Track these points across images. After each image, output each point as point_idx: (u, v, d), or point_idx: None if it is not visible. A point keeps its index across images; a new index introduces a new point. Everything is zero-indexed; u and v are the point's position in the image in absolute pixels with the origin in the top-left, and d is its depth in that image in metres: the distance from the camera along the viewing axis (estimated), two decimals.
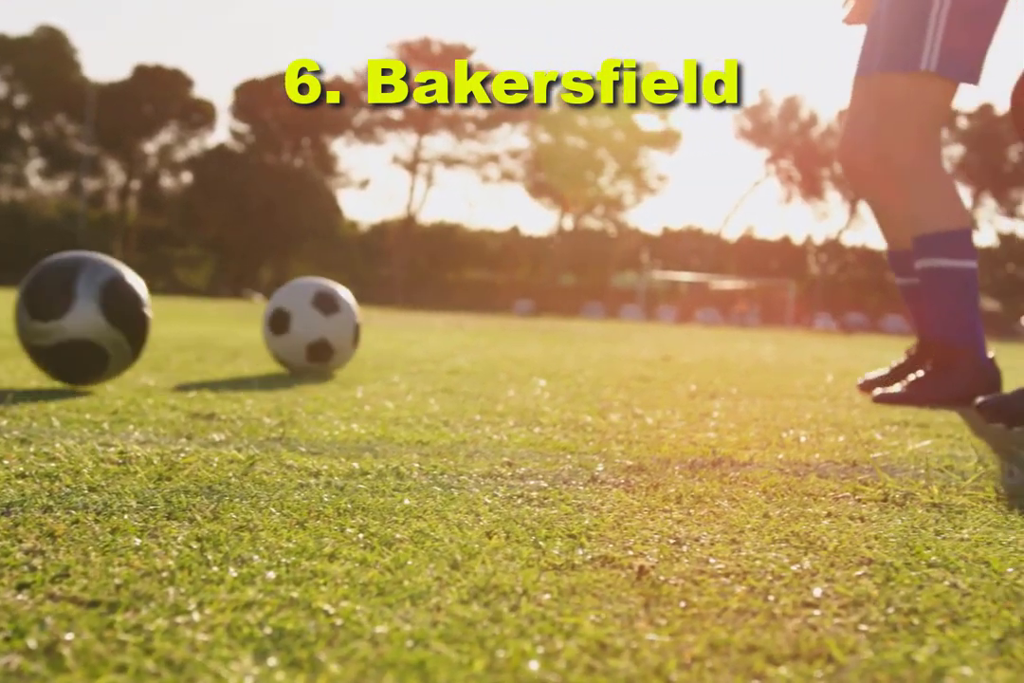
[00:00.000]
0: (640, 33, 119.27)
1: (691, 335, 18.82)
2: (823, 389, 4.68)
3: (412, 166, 68.53)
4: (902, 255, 4.50)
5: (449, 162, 69.29)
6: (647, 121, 71.16)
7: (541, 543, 1.41)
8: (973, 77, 4.03)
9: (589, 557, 1.34)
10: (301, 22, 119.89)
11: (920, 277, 4.10)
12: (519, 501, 1.73)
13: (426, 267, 66.36)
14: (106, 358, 3.21)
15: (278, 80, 66.22)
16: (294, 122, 65.19)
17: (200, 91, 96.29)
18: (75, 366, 3.21)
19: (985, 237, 74.93)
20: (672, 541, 1.46)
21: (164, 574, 1.19)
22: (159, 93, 63.77)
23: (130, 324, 3.25)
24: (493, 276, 69.84)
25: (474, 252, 69.92)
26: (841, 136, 4.51)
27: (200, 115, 66.46)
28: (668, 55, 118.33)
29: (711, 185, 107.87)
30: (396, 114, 67.74)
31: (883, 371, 4.59)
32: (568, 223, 70.50)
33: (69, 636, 0.97)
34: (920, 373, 4.14)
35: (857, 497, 1.92)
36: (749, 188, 73.37)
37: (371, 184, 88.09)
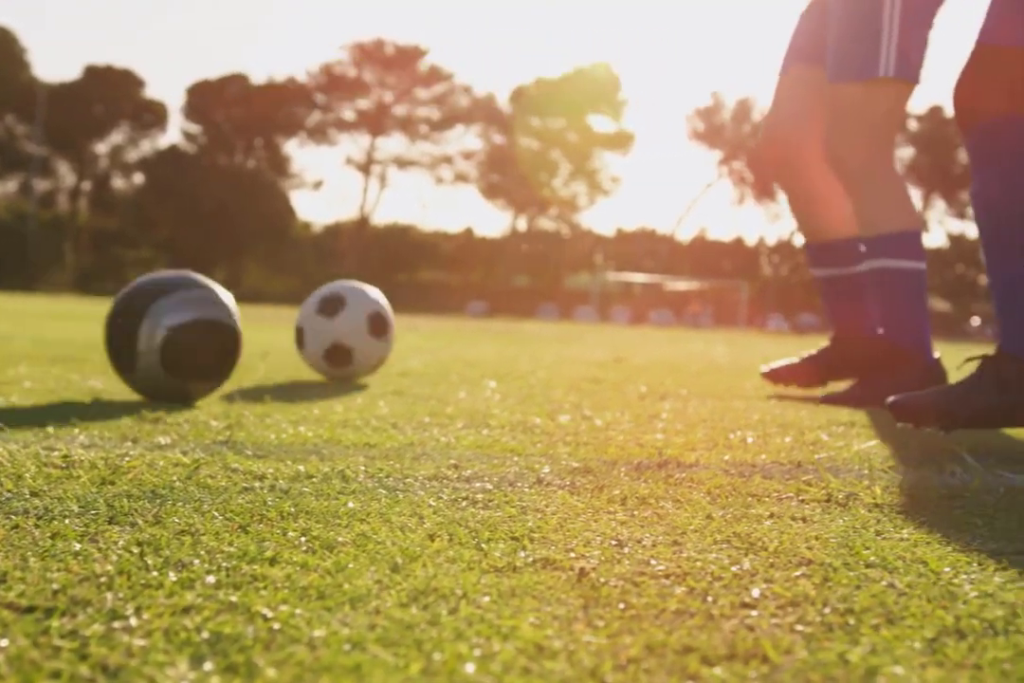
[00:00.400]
0: (595, 34, 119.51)
1: (644, 336, 18.88)
2: (772, 390, 4.71)
3: (365, 167, 68.49)
4: (820, 247, 4.54)
5: (402, 163, 69.30)
6: (600, 122, 71.41)
7: (483, 545, 1.42)
8: (919, 77, 4.08)
9: (531, 559, 1.35)
10: (254, 23, 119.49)
11: (870, 278, 4.13)
12: (464, 503, 1.74)
13: (380, 268, 66.22)
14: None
15: (231, 81, 66.05)
16: (247, 123, 65.01)
17: (152, 92, 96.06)
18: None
19: (935, 238, 75.43)
20: (614, 543, 1.47)
21: (103, 579, 1.18)
22: (110, 93, 63.41)
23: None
24: (447, 277, 69.87)
25: (428, 253, 69.89)
26: (764, 126, 4.55)
27: (152, 116, 66.14)
28: (623, 56, 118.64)
29: (664, 186, 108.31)
30: (349, 115, 67.68)
31: (792, 360, 4.62)
32: (522, 224, 70.56)
33: (3, 642, 0.97)
34: (872, 377, 4.18)
35: (800, 498, 1.93)
36: (702, 190, 73.83)
37: (324, 185, 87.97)
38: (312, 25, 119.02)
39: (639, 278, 61.69)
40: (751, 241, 73.58)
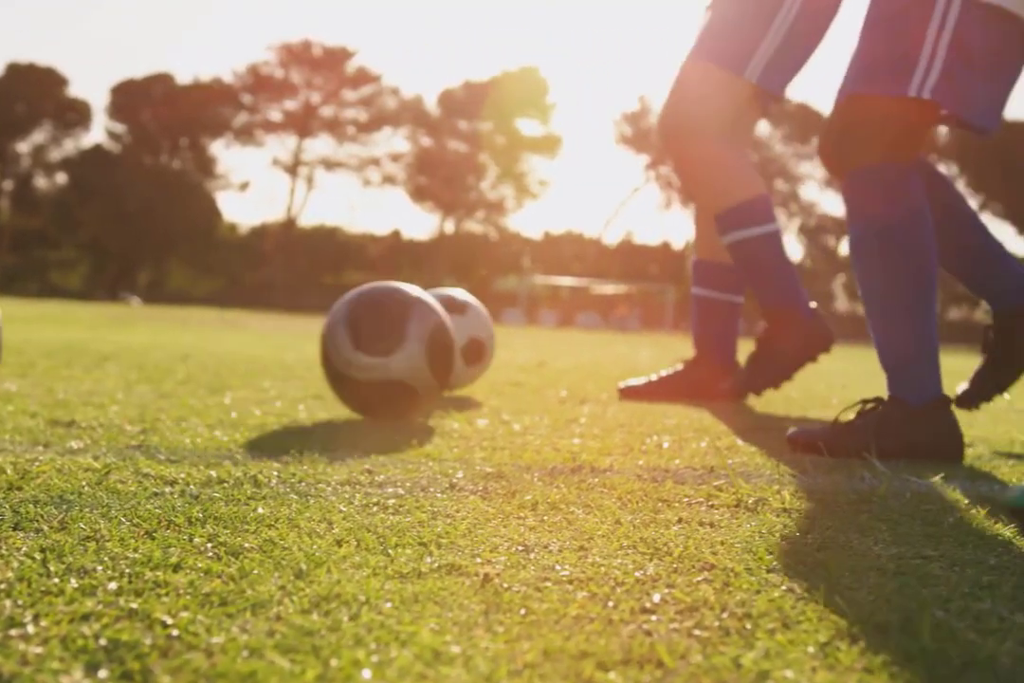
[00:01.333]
0: (524, 38, 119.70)
1: (570, 340, 18.93)
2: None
3: (292, 169, 68.13)
4: (708, 266, 4.59)
5: (330, 165, 69.00)
6: (528, 126, 71.49)
7: (390, 551, 1.42)
8: (780, 89, 4.22)
9: (436, 565, 1.35)
10: (180, 22, 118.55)
11: (731, 253, 4.23)
12: (374, 509, 1.74)
13: (306, 270, 65.97)
14: (416, 398, 3.12)
15: (156, 80, 65.48)
16: (172, 123, 64.45)
17: (75, 91, 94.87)
18: (387, 403, 3.12)
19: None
20: (521, 548, 1.48)
21: (2, 586, 1.17)
22: (32, 92, 62.64)
23: (444, 370, 3.18)
24: (374, 279, 69.35)
25: (355, 255, 69.65)
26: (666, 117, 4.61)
27: (75, 115, 65.40)
28: (552, 60, 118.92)
29: (592, 190, 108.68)
30: (276, 116, 67.33)
31: (650, 377, 4.64)
32: (449, 227, 70.52)
33: None
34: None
35: (710, 503, 1.96)
36: (629, 194, 74.06)
37: (251, 187, 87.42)
38: (239, 25, 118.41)
39: (566, 281, 61.82)
40: (678, 245, 74.00)
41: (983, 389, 3.23)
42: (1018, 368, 3.17)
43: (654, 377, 4.61)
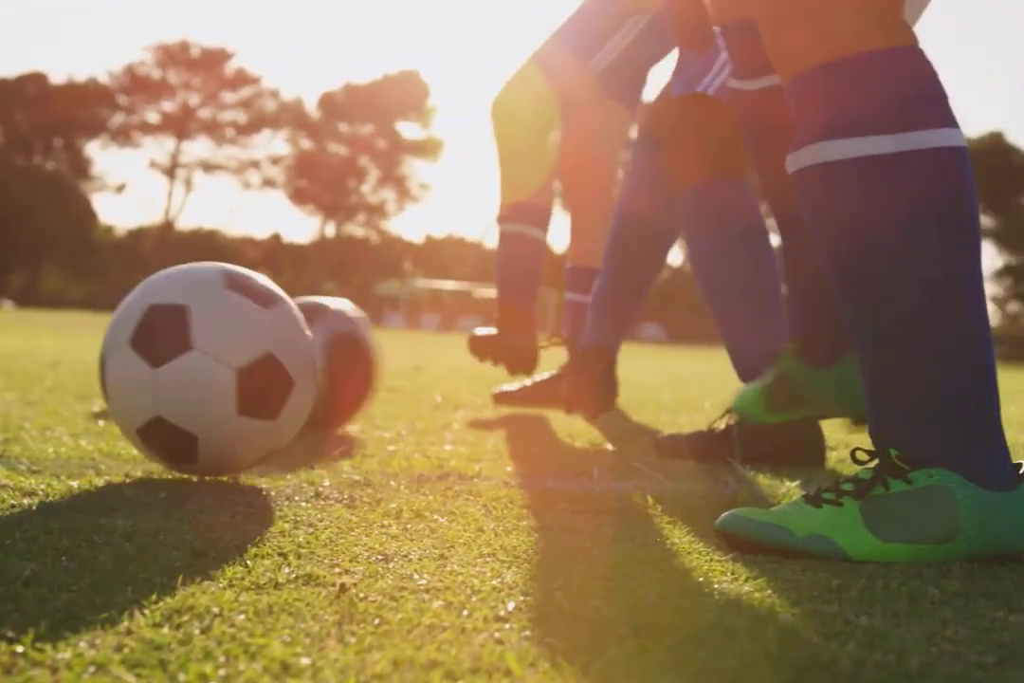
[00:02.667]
0: (405, 41, 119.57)
1: (450, 344, 18.96)
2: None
3: (170, 171, 67.28)
4: (581, 271, 4.65)
5: (208, 167, 68.29)
6: (409, 129, 71.48)
7: (248, 562, 1.42)
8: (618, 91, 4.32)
9: (294, 575, 1.35)
10: (54, 21, 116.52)
11: (500, 239, 4.34)
12: (238, 519, 1.73)
13: None
14: None
15: (29, 80, 64.28)
16: (45, 124, 63.25)
17: None
18: None
19: None
20: (380, 557, 1.49)
21: None
22: None
23: None
24: None
25: (234, 259, 68.81)
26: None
27: None
28: (432, 63, 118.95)
29: (473, 193, 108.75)
30: (153, 117, 66.49)
31: (524, 383, 4.68)
32: (330, 230, 70.21)
33: None
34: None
35: (575, 508, 1.98)
36: None
37: (128, 189, 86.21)
38: (115, 25, 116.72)
39: (448, 285, 61.88)
40: (560, 248, 74.37)
41: None
42: None
43: (528, 382, 4.63)
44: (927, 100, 1.62)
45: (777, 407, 2.45)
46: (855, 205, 1.62)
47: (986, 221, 68.72)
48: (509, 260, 4.40)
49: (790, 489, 2.33)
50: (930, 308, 1.59)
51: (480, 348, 4.31)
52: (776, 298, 2.87)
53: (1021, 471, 1.64)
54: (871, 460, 1.68)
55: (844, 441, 3.41)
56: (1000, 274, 69.31)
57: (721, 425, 2.88)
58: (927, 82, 1.63)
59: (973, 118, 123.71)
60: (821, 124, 1.63)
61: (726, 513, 1.67)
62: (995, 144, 66.71)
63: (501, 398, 4.49)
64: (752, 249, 2.86)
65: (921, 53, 1.65)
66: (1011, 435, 3.63)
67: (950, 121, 1.62)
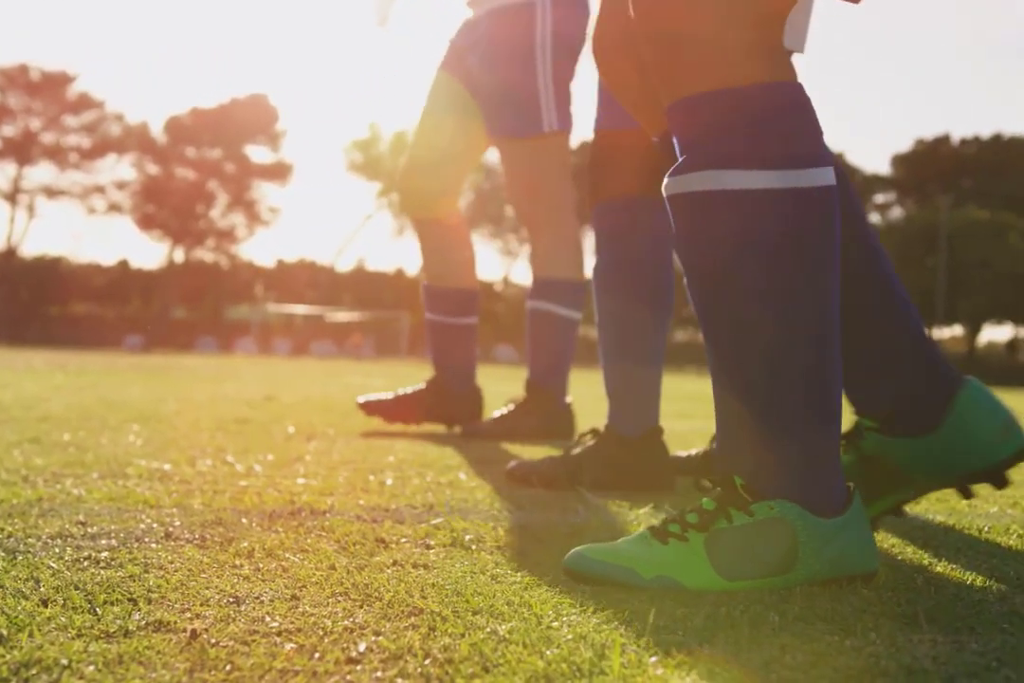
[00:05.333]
0: (252, 65, 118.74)
1: (302, 370, 18.81)
2: (416, 428, 4.77)
3: (12, 197, 65.80)
4: (440, 292, 4.73)
5: (52, 193, 66.94)
6: (258, 153, 70.97)
7: (98, 609, 1.41)
8: (572, 123, 4.38)
9: (144, 622, 1.35)
10: None
11: (529, 316, 4.36)
12: (86, 563, 1.71)
13: (29, 302, 63.78)
14: None
15: None
16: None
17: None
18: None
19: None
20: (232, 600, 1.49)
21: None
22: None
23: None
24: (102, 311, 67.98)
25: (81, 286, 67.74)
26: (403, 171, 4.69)
27: None
28: (280, 87, 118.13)
29: (324, 217, 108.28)
30: None
31: (387, 395, 4.76)
32: (179, 256, 69.29)
33: None
34: (506, 409, 4.35)
35: (427, 542, 1.99)
36: (361, 221, 74.07)
37: None
38: None
39: (300, 309, 61.48)
40: (412, 271, 74.40)
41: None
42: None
43: (391, 395, 4.70)
44: (808, 137, 1.68)
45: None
46: (731, 232, 1.66)
47: None
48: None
49: (639, 516, 2.38)
50: (766, 331, 1.65)
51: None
52: (661, 321, 2.94)
53: (851, 492, 1.70)
54: (715, 488, 1.72)
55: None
56: None
57: (573, 451, 2.93)
58: (808, 118, 1.70)
59: None
60: (712, 152, 1.67)
61: (573, 552, 1.69)
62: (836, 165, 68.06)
63: (369, 408, 4.61)
64: (661, 264, 2.95)
65: (802, 89, 1.71)
66: None
67: (828, 160, 1.69)
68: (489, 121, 4.42)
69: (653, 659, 1.24)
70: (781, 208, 1.64)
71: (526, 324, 4.42)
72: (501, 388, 9.45)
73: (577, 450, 2.94)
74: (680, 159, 1.72)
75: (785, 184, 1.64)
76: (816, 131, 1.70)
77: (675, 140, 1.76)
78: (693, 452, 3.13)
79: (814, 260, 1.66)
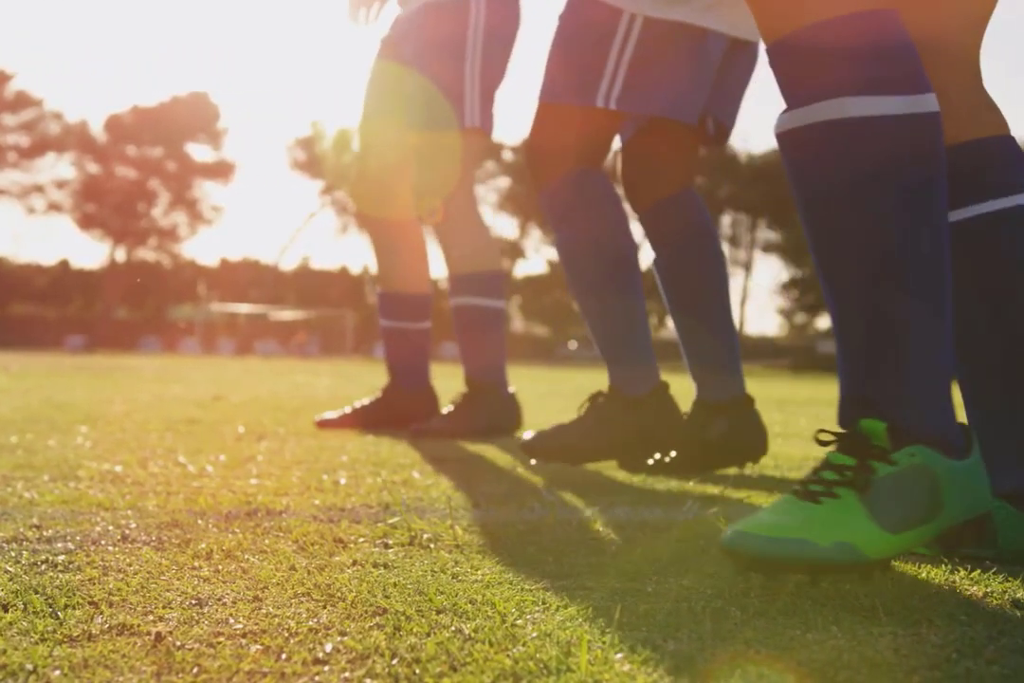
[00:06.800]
0: (193, 63, 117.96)
1: (248, 369, 18.73)
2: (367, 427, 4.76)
3: None
4: (394, 298, 4.74)
5: None
6: (200, 151, 70.59)
7: (60, 613, 1.40)
8: (493, 127, 4.39)
9: (107, 626, 1.34)
10: None
11: (455, 313, 4.35)
12: (43, 567, 1.70)
13: None
14: None
15: None
16: None
17: None
18: None
19: (534, 265, 78.03)
20: (194, 602, 1.48)
21: None
22: None
23: None
24: (43, 312, 67.38)
25: (20, 287, 67.06)
26: (355, 175, 4.69)
27: None
28: (222, 85, 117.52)
29: (268, 216, 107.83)
30: None
31: (345, 410, 4.76)
32: (121, 255, 68.78)
33: None
34: (452, 407, 4.38)
35: (385, 542, 1.99)
36: (305, 219, 73.80)
37: None
38: None
39: (244, 309, 61.19)
40: (356, 269, 74.28)
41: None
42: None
43: (348, 409, 4.69)
44: (918, 63, 1.67)
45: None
46: (864, 159, 1.63)
47: (771, 236, 70.79)
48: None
49: (595, 512, 2.39)
50: (895, 267, 1.62)
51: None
52: (639, 284, 3.11)
53: (968, 434, 1.68)
54: (840, 439, 1.64)
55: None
56: (786, 287, 71.46)
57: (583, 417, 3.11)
58: (912, 45, 1.68)
59: (757, 135, 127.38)
60: (834, 81, 1.64)
61: (729, 530, 1.57)
62: (778, 160, 68.51)
63: (325, 425, 4.58)
64: (620, 234, 3.09)
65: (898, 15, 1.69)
66: (797, 448, 3.78)
67: (931, 86, 1.67)
68: (410, 113, 4.42)
69: (619, 655, 1.24)
70: (909, 132, 1.62)
71: (453, 322, 4.44)
72: (451, 385, 9.47)
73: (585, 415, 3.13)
74: (792, 93, 1.70)
75: (912, 109, 1.62)
76: (919, 58, 1.68)
77: (780, 77, 1.72)
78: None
79: (937, 183, 1.64)
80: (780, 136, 1.72)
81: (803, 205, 1.71)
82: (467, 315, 4.40)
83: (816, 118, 1.65)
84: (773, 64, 1.74)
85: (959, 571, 1.78)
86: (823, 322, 73.88)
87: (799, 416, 6.78)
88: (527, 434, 3.25)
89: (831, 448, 1.64)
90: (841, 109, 1.62)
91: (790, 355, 47.73)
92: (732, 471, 3.24)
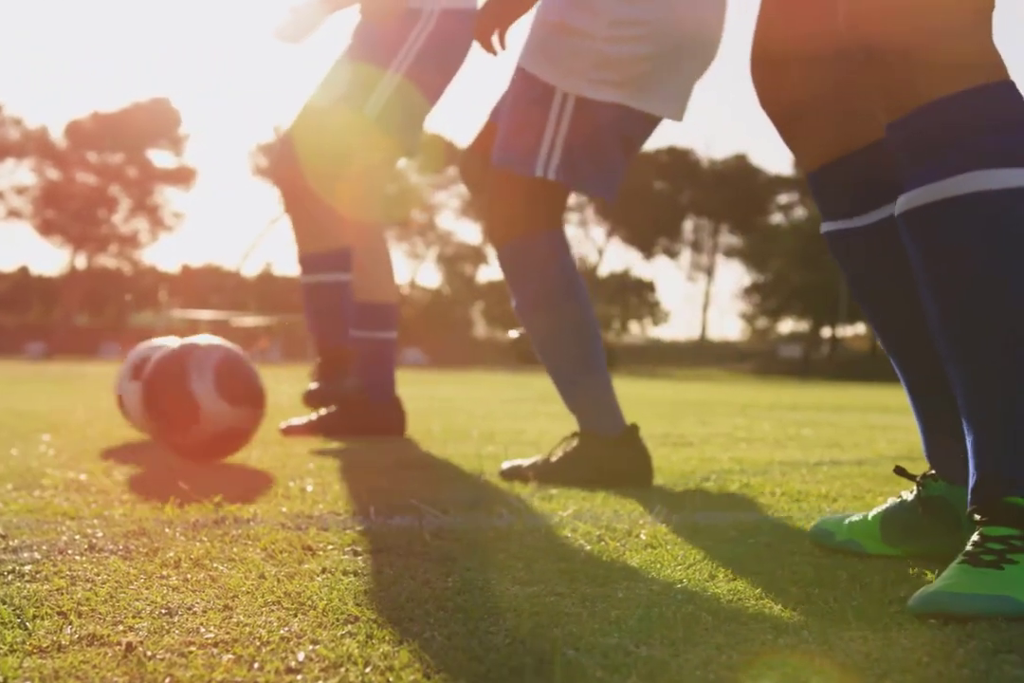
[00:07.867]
0: (154, 69, 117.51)
1: None
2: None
3: None
4: (361, 306, 4.79)
5: None
6: (161, 157, 70.31)
7: (28, 624, 1.39)
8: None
9: (77, 636, 1.33)
10: None
11: (304, 292, 4.59)
12: (10, 577, 1.69)
13: None
14: None
15: None
16: None
17: None
18: None
19: (496, 271, 78.29)
20: (164, 611, 1.47)
21: None
22: None
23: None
24: (1, 318, 66.93)
25: None
26: (279, 154, 4.67)
27: None
28: (183, 90, 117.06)
29: (229, 222, 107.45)
30: None
31: (310, 417, 4.77)
32: (81, 262, 68.41)
33: None
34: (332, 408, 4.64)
35: (354, 549, 1.99)
36: (267, 225, 73.59)
37: None
38: None
39: (206, 315, 60.94)
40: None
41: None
42: None
43: (313, 416, 4.69)
44: None
45: (899, 539, 2.02)
46: (1010, 234, 1.58)
47: (733, 241, 71.13)
48: (312, 309, 4.64)
49: (563, 518, 2.39)
50: None
51: (315, 403, 4.57)
52: (598, 341, 3.19)
53: None
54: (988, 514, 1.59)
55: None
56: (748, 291, 71.81)
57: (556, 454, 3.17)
58: None
59: (719, 140, 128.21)
60: (971, 154, 1.59)
61: (919, 595, 1.53)
62: (740, 166, 69.18)
63: (290, 432, 4.59)
64: (574, 295, 3.17)
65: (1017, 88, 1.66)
66: (761, 453, 3.79)
67: None
68: (325, 89, 4.45)
69: (592, 662, 1.24)
70: None
71: (305, 303, 4.60)
72: (413, 391, 9.47)
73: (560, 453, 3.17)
74: (923, 169, 1.64)
75: None
76: None
77: (907, 154, 1.67)
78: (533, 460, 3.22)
79: None
80: (909, 213, 1.66)
81: (935, 283, 1.64)
82: (318, 292, 4.53)
83: (958, 191, 1.59)
84: (897, 142, 1.69)
85: (927, 574, 1.79)
86: (784, 326, 74.39)
87: (763, 421, 6.80)
88: (506, 464, 3.26)
89: (982, 525, 1.59)
90: (988, 181, 1.58)
91: (752, 359, 48.03)
92: (700, 476, 3.26)
